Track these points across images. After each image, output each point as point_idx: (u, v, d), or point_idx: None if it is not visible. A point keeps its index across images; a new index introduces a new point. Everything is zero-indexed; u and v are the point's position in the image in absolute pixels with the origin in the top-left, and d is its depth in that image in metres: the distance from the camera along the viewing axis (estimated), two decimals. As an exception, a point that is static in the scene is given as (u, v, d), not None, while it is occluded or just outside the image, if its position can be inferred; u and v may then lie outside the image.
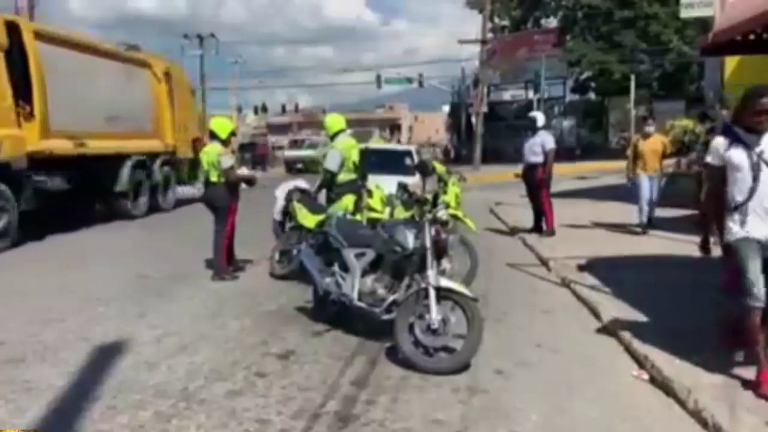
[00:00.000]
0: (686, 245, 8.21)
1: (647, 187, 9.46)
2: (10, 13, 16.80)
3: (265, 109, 56.33)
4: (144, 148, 13.91)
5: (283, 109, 64.22)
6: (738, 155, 3.71)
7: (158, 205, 14.45)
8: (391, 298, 4.69)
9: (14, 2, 22.51)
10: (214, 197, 7.31)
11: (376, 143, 17.52)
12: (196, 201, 15.58)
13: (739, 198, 3.71)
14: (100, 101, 12.45)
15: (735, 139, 3.76)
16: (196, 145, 16.96)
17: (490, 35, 32.28)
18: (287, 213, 7.36)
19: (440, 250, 4.63)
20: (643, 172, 9.47)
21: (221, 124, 7.55)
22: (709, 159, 3.95)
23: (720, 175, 3.86)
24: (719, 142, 3.87)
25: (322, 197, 7.48)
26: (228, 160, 7.25)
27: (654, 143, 9.60)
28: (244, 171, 8.74)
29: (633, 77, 28.01)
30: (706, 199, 4.15)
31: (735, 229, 3.72)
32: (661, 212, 10.06)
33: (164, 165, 14.89)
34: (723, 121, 7.31)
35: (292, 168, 32.45)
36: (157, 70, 15.00)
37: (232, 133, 7.86)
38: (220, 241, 7.25)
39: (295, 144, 38.64)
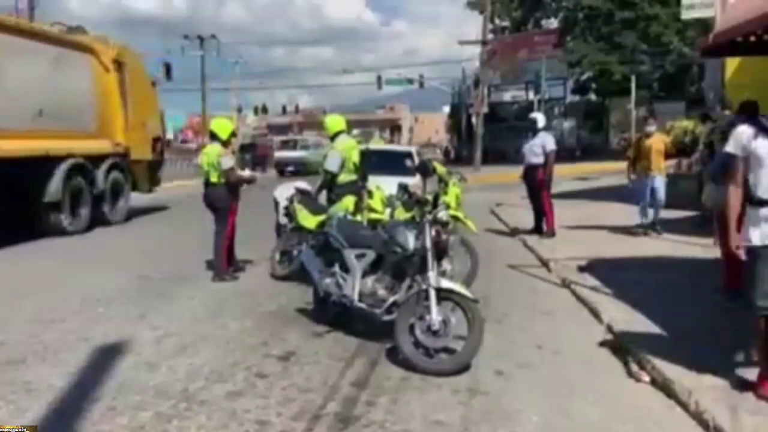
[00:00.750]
0: (686, 246, 8.24)
1: (650, 187, 9.45)
2: (10, 13, 16.81)
3: (265, 109, 56.49)
4: (85, 150, 11.49)
5: (284, 110, 64.39)
6: (765, 147, 3.53)
7: (104, 218, 12.01)
8: (391, 299, 4.69)
9: (14, 2, 22.65)
10: (215, 198, 7.31)
11: (376, 144, 17.56)
12: (155, 210, 14.36)
13: (762, 194, 3.52)
14: (23, 92, 10.06)
15: (761, 129, 3.57)
16: (157, 145, 14.72)
17: (490, 36, 32.33)
18: (290, 215, 7.36)
19: (441, 251, 4.64)
20: (646, 171, 9.46)
21: (222, 125, 7.55)
22: (729, 149, 3.69)
23: (740, 166, 3.61)
24: (744, 130, 3.62)
25: (322, 198, 7.48)
26: (228, 161, 7.25)
27: (656, 142, 9.59)
28: (246, 172, 8.70)
29: (633, 78, 28.13)
30: (729, 195, 3.70)
31: (758, 233, 3.51)
32: (661, 213, 10.05)
33: (113, 169, 12.38)
34: (727, 119, 7.19)
35: (284, 170, 29.16)
36: (104, 58, 12.37)
37: (233, 134, 7.85)
38: (220, 241, 7.25)
39: (287, 145, 33.79)
